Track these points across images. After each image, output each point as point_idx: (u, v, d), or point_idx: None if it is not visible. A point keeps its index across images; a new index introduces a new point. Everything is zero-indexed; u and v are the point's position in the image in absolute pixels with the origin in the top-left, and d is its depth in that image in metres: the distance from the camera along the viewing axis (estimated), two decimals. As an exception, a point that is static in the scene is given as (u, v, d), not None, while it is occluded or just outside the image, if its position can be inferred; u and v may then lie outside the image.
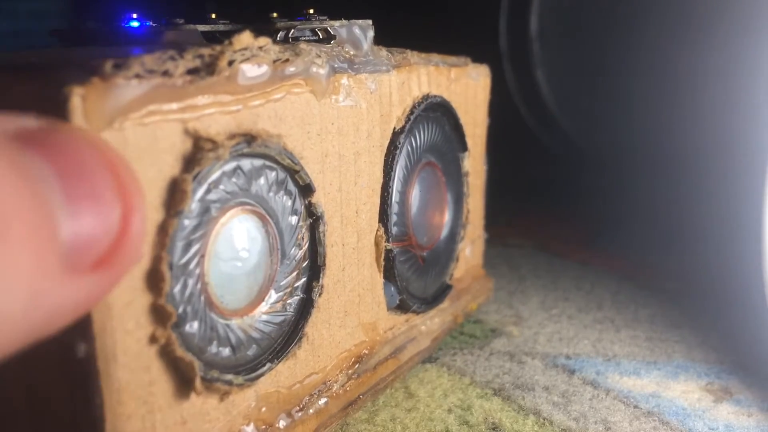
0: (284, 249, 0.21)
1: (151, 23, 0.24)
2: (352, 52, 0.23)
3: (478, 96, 0.32)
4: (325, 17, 0.24)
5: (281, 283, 0.21)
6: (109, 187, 0.13)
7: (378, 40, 0.25)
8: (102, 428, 0.16)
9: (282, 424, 0.21)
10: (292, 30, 0.24)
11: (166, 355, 0.17)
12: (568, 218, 0.53)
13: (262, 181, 0.20)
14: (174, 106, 0.16)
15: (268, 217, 0.20)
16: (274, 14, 0.25)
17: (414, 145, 0.27)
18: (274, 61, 0.19)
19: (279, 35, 0.24)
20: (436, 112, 0.28)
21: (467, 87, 0.30)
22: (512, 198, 0.54)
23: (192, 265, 0.18)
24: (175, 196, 0.17)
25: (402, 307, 0.27)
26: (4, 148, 0.12)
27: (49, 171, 0.12)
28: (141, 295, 0.16)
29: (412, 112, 0.26)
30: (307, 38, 0.24)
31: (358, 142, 0.24)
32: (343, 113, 0.23)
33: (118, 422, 0.16)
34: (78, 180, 0.12)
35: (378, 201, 0.25)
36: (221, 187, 0.18)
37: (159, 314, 0.17)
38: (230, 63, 0.18)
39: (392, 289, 0.27)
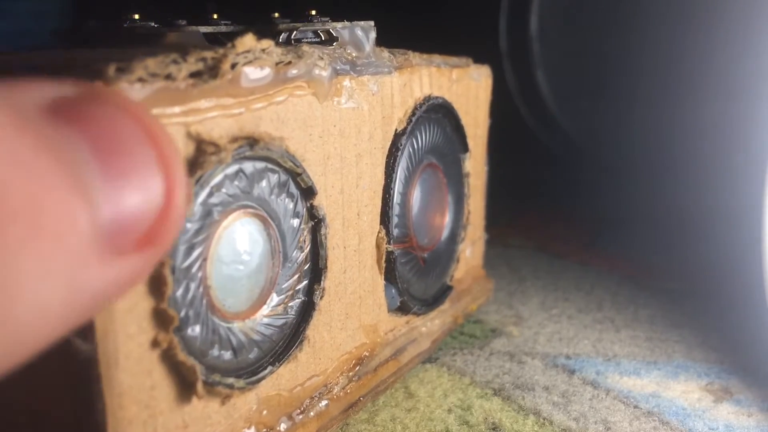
0: (286, 252, 0.21)
1: (153, 24, 0.24)
2: (354, 54, 0.23)
3: (480, 96, 0.32)
4: (327, 18, 0.24)
5: (283, 286, 0.21)
6: (150, 160, 0.12)
7: (378, 41, 0.25)
8: (104, 432, 0.16)
9: (283, 427, 0.21)
10: (295, 32, 0.24)
11: (168, 359, 0.17)
12: (568, 218, 0.53)
13: (264, 183, 0.20)
14: (176, 109, 0.16)
15: (270, 219, 0.20)
16: (276, 15, 0.25)
17: (415, 146, 0.27)
18: (277, 64, 0.19)
19: (281, 37, 0.24)
20: (437, 114, 0.28)
21: (468, 88, 0.30)
22: (512, 198, 0.54)
23: (194, 269, 0.17)
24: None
25: (403, 309, 0.27)
26: (35, 124, 0.11)
27: (85, 147, 0.11)
28: (143, 299, 0.16)
29: (413, 114, 0.26)
30: (309, 40, 0.24)
31: (360, 144, 0.24)
32: (345, 115, 0.23)
33: (119, 426, 0.16)
34: (118, 155, 0.12)
35: (379, 203, 0.25)
36: (223, 190, 0.18)
37: (161, 318, 0.17)
38: (233, 66, 0.18)
39: (393, 290, 0.26)
